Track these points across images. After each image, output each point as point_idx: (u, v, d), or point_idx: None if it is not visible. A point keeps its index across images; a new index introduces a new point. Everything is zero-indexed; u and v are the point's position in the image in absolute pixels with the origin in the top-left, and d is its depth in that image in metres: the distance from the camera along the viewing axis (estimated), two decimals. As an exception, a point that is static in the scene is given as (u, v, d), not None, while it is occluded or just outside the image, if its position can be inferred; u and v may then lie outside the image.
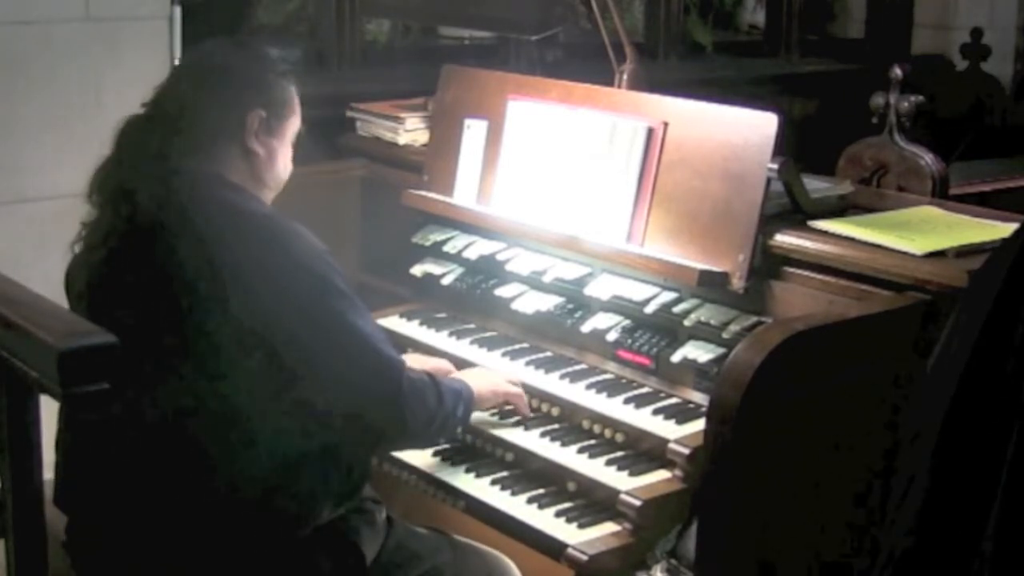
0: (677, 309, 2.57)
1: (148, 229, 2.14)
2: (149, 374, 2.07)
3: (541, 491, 2.44)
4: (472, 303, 2.95)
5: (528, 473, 2.51)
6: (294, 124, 2.38)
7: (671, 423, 2.45)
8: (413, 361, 2.65)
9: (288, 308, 2.12)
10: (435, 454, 2.57)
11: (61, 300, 2.21)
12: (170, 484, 2.10)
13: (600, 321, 2.69)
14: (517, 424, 2.58)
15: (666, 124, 2.64)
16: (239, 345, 2.09)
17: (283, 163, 2.36)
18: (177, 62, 3.34)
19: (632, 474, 2.38)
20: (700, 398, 2.50)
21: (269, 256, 2.13)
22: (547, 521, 2.35)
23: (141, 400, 2.05)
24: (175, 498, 2.10)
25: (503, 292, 2.86)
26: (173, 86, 2.34)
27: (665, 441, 2.37)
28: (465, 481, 2.50)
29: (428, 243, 3.04)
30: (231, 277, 2.08)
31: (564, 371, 2.68)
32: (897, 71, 3.04)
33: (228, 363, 2.09)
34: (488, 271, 2.91)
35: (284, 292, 2.12)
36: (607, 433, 2.51)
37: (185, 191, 2.16)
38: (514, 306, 2.82)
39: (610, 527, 2.31)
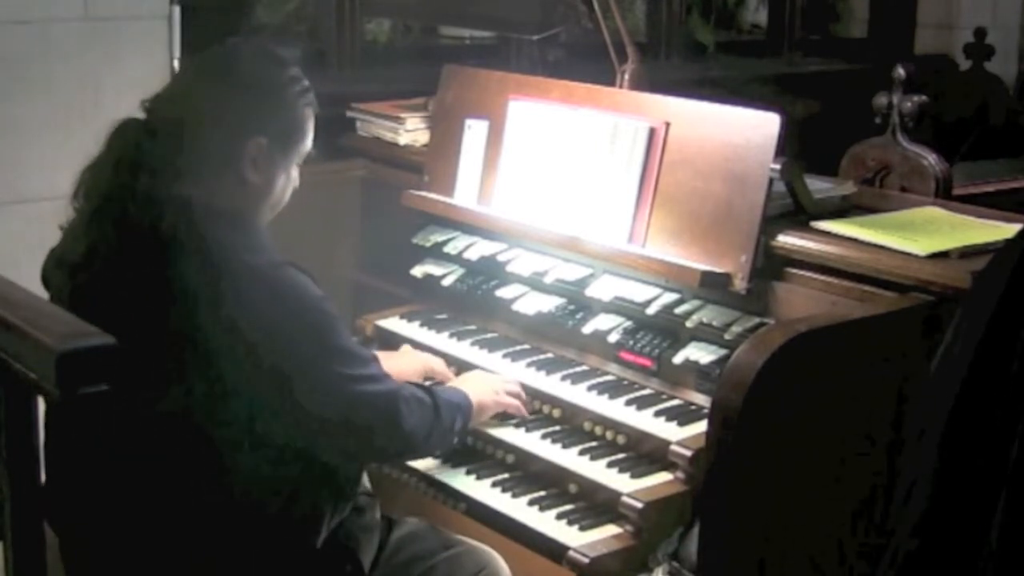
0: (679, 310, 2.56)
1: (135, 262, 2.03)
2: (135, 392, 1.97)
3: (542, 493, 2.44)
4: (473, 304, 2.94)
5: (529, 475, 2.51)
6: (302, 150, 2.22)
7: (673, 425, 2.44)
8: (406, 356, 2.69)
9: (282, 364, 2.02)
10: (435, 456, 2.56)
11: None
12: (159, 500, 2.05)
13: (601, 322, 2.68)
14: (518, 426, 2.57)
15: (668, 124, 2.63)
16: (225, 383, 2.01)
17: (282, 189, 2.20)
18: (177, 62, 3.33)
19: (634, 476, 2.37)
20: (702, 400, 2.49)
21: (262, 311, 2.00)
22: (548, 523, 2.35)
23: (129, 417, 1.97)
24: (164, 515, 2.05)
25: (504, 293, 2.85)
26: (176, 95, 2.20)
27: (667, 443, 2.36)
28: (466, 483, 2.50)
29: (429, 244, 3.03)
30: (220, 328, 1.98)
31: (565, 372, 2.67)
32: (900, 71, 3.03)
33: (214, 396, 2.01)
34: (489, 272, 2.90)
35: (277, 350, 2.02)
36: (608, 435, 2.50)
37: (180, 228, 2.02)
38: (515, 307, 2.81)
39: (612, 529, 2.31)
